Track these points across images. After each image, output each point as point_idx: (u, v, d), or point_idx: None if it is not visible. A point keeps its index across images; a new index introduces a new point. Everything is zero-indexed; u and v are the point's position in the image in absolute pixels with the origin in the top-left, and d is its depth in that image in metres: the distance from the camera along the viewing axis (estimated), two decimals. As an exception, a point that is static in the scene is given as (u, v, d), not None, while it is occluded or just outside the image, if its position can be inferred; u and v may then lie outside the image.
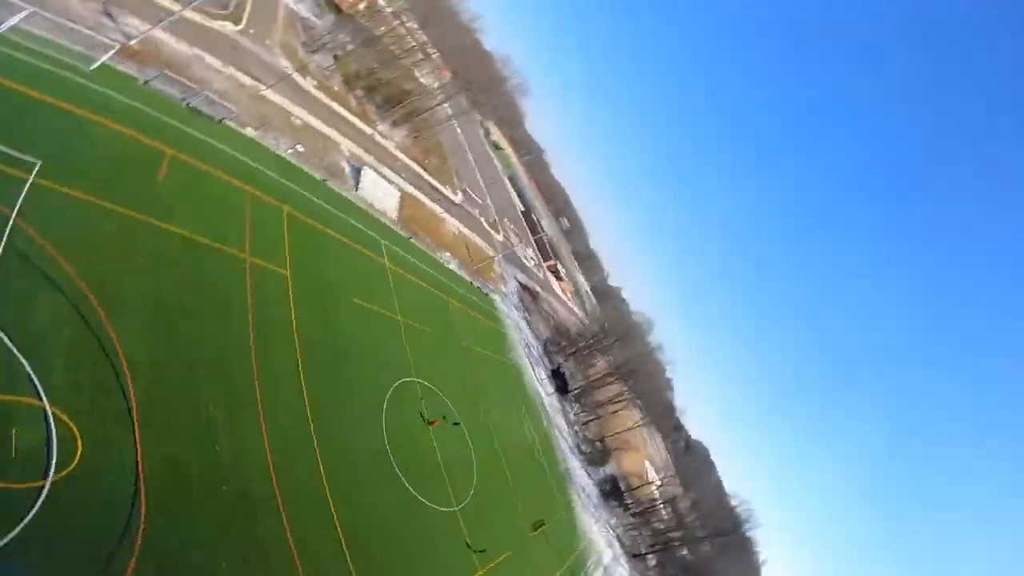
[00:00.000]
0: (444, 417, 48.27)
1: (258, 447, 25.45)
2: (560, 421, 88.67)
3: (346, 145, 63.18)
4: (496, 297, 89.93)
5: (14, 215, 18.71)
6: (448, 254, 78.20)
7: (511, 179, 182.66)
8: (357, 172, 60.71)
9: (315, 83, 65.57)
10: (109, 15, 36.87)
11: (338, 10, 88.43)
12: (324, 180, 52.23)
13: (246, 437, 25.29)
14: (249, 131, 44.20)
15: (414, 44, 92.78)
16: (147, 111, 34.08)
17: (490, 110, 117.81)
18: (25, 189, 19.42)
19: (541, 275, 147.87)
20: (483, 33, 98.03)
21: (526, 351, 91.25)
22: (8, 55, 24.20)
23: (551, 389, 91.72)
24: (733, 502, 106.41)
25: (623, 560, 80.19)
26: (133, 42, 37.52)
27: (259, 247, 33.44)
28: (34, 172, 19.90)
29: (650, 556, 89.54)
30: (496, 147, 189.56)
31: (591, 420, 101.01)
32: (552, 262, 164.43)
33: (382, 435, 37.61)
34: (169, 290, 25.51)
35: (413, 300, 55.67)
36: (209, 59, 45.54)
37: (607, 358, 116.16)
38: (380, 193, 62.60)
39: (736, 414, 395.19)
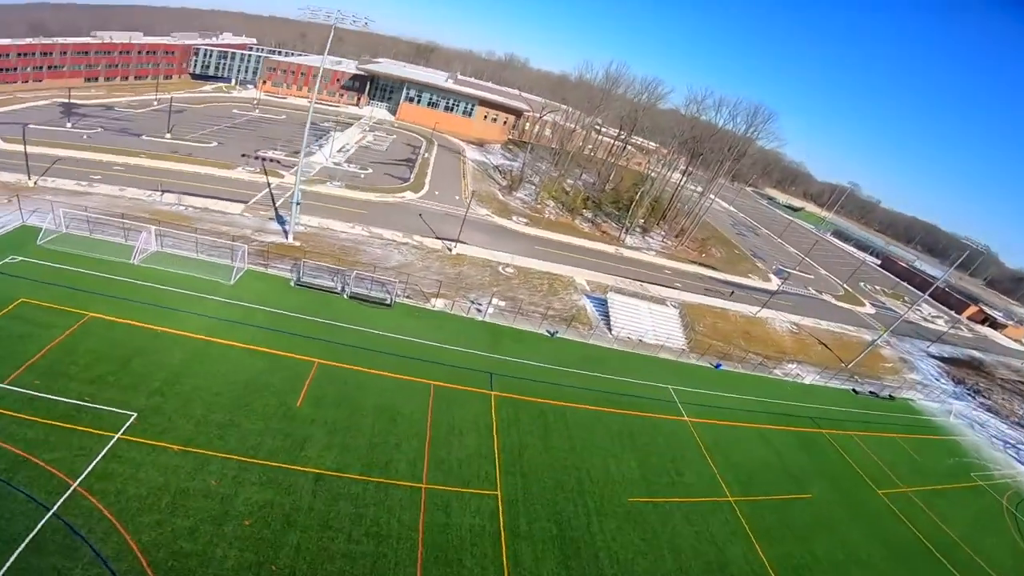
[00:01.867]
0: None
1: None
2: None
3: (583, 276, 47.94)
4: (910, 395, 50.90)
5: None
6: (794, 365, 48.42)
7: (837, 235, 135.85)
8: (603, 304, 43.47)
9: (524, 220, 56.17)
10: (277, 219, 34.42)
11: (523, 144, 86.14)
12: (553, 333, 36.27)
13: None
14: (435, 303, 33.34)
15: (611, 140, 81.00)
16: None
17: (755, 172, 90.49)
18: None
19: (964, 332, 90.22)
20: (661, 97, 79.01)
21: (1015, 454, 45.07)
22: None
23: None
24: None
25: None
26: (290, 238, 33.46)
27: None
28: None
29: None
30: (791, 208, 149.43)
31: None
32: (972, 309, 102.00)
33: None
34: None
35: (742, 461, 30.29)
36: (388, 233, 40.75)
37: None
38: (646, 319, 42.87)
39: None
